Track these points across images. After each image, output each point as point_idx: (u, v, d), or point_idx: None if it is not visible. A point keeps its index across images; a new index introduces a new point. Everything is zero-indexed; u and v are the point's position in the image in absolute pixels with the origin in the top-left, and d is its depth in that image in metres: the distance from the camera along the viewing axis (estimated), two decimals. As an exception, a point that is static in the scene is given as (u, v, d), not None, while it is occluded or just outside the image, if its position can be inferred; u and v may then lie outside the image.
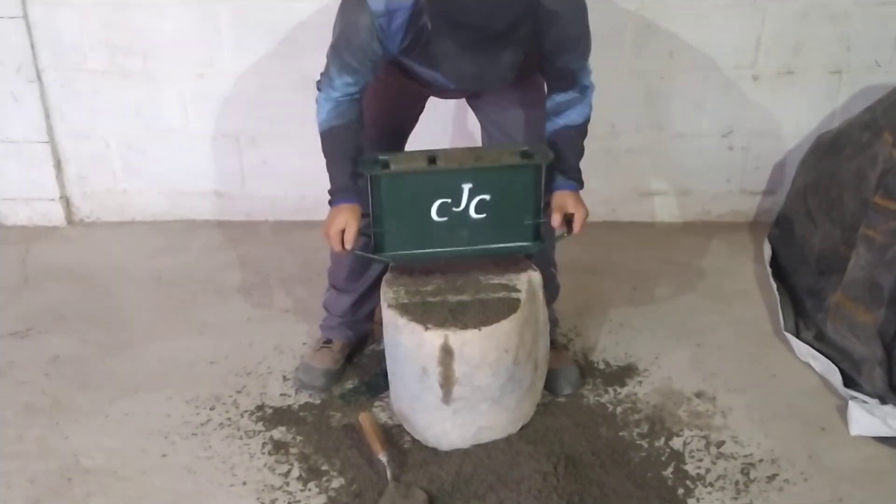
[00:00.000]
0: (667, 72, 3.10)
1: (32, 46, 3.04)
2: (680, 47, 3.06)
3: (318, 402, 2.37)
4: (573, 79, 2.14)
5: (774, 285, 2.85)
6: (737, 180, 3.33)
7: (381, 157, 2.10)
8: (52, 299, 2.85)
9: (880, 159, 2.44)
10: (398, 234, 2.10)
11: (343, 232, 2.07)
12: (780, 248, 3.01)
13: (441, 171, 2.06)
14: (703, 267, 3.06)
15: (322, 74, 2.08)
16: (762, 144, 3.24)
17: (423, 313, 2.08)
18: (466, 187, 2.04)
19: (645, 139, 3.24)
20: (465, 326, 2.04)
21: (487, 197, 2.06)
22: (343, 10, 2.01)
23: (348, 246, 2.08)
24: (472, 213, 2.08)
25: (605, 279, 2.97)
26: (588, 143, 3.21)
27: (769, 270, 2.95)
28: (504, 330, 2.05)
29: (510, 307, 2.10)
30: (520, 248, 2.14)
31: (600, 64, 3.06)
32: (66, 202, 3.34)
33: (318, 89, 2.09)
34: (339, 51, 2.01)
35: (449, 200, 2.05)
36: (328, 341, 2.49)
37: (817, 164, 2.87)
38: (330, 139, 2.10)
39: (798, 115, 3.18)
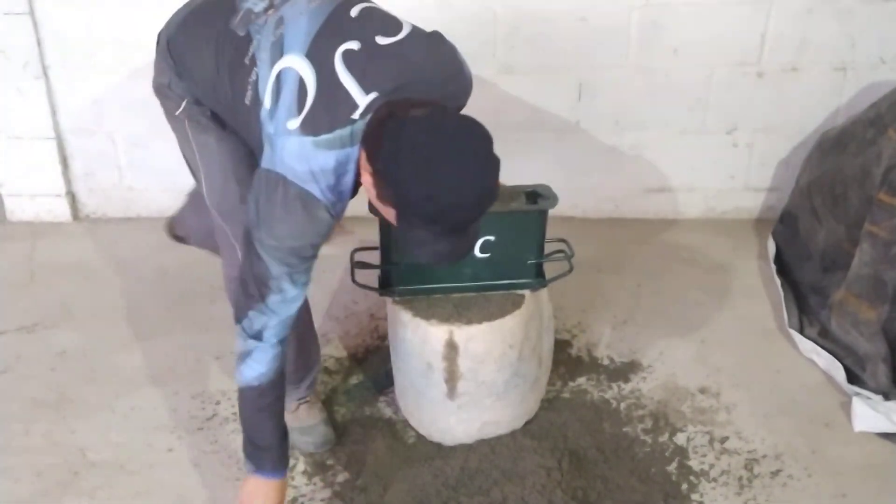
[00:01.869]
0: (671, 68, 3.10)
1: (39, 42, 3.05)
2: (685, 44, 3.05)
3: (323, 397, 2.38)
4: None
5: (778, 282, 2.85)
6: (741, 177, 3.32)
7: None
8: (59, 294, 2.86)
9: (885, 156, 2.44)
10: (405, 271, 2.11)
11: None
12: (785, 244, 3.01)
13: None
14: (707, 263, 3.06)
15: (241, 313, 1.76)
16: (767, 141, 3.24)
17: (428, 309, 2.09)
18: None
19: (649, 136, 3.24)
20: (469, 322, 2.05)
21: (492, 238, 2.09)
22: (273, 208, 1.65)
23: None
24: (476, 252, 2.10)
25: (609, 276, 2.97)
26: (592, 139, 3.24)
27: (773, 267, 2.95)
28: (508, 325, 2.06)
29: (514, 303, 2.11)
30: (521, 286, 2.16)
31: (605, 60, 3.10)
32: (72, 198, 3.34)
33: (254, 337, 1.76)
34: (289, 260, 1.70)
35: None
36: (301, 398, 2.24)
37: (822, 161, 2.87)
38: (269, 392, 1.81)
39: (803, 112, 3.17)
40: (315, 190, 1.64)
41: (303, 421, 2.21)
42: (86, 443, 2.23)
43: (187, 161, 2.02)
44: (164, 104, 1.97)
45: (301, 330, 2.06)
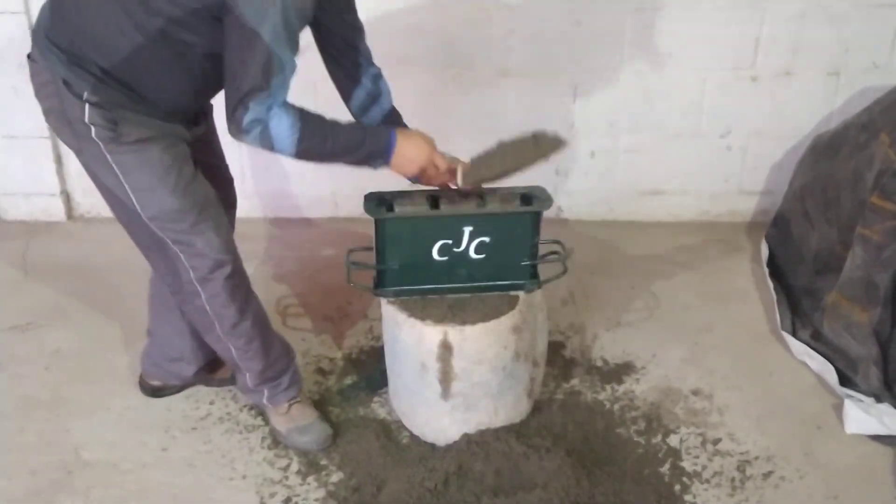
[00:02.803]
0: (665, 72, 3.12)
1: (34, 42, 3.05)
2: (679, 48, 3.07)
3: (317, 397, 2.38)
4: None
5: (771, 285, 2.87)
6: (735, 180, 3.34)
7: (385, 196, 2.14)
8: (53, 294, 2.86)
9: (877, 160, 2.45)
10: (400, 272, 2.12)
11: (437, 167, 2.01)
12: (778, 247, 3.02)
13: (444, 215, 2.09)
14: (700, 266, 3.07)
15: (253, 90, 1.73)
16: (760, 145, 3.26)
17: (423, 309, 2.09)
18: (467, 230, 2.08)
19: (643, 139, 3.25)
20: (464, 322, 2.05)
21: (487, 239, 2.10)
22: None
23: (444, 167, 2.02)
24: (471, 253, 2.11)
25: (603, 278, 2.98)
26: (587, 142, 3.25)
27: (766, 270, 2.96)
28: (503, 326, 2.07)
29: (509, 304, 2.12)
30: (515, 287, 2.17)
31: (600, 64, 3.11)
32: (67, 197, 3.34)
33: (264, 107, 1.75)
34: (289, 22, 1.70)
35: (450, 241, 2.09)
36: (292, 397, 2.23)
37: (815, 165, 2.89)
38: (312, 128, 1.83)
39: (796, 116, 3.19)
40: None
41: (298, 420, 2.20)
42: (80, 442, 2.23)
43: (110, 191, 1.88)
44: (69, 124, 1.80)
45: (260, 327, 2.13)
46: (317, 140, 1.84)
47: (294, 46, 1.75)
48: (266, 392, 2.19)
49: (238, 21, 1.66)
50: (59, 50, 1.75)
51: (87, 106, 1.75)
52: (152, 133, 1.83)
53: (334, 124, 1.88)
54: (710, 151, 3.27)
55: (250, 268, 3.02)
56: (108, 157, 1.81)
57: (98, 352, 2.57)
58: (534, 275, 2.18)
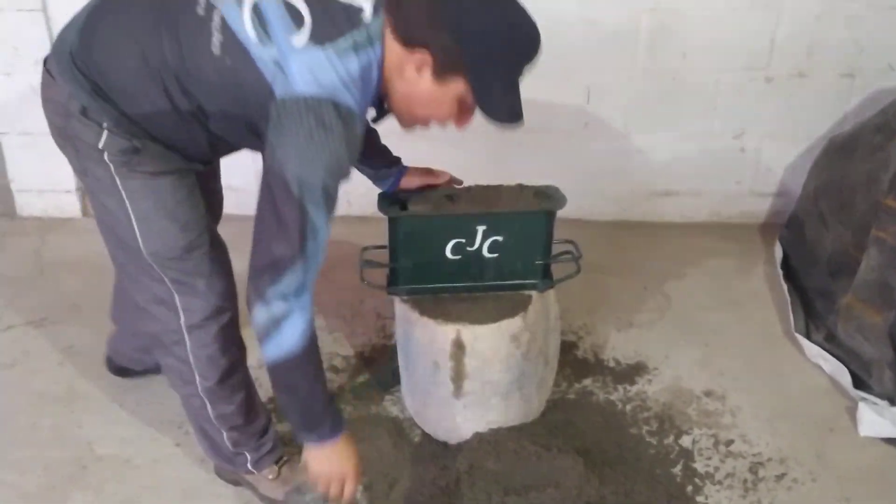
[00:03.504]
0: (679, 73, 3.11)
1: (51, 39, 3.07)
2: (693, 48, 3.06)
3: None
4: None
5: (785, 286, 2.86)
6: (748, 182, 3.33)
7: (400, 195, 2.13)
8: (67, 290, 2.87)
9: (892, 161, 2.44)
10: (412, 270, 2.12)
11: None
12: (792, 249, 3.01)
13: (458, 214, 2.09)
14: (713, 268, 3.07)
15: (287, 256, 1.57)
16: (774, 146, 3.25)
17: (436, 308, 2.10)
18: (481, 229, 2.08)
19: (657, 140, 3.25)
20: (476, 321, 2.05)
21: (500, 238, 2.09)
22: (311, 139, 1.49)
23: (347, 499, 1.80)
24: (485, 252, 2.11)
25: (615, 278, 2.98)
26: (600, 142, 3.24)
27: (780, 272, 2.95)
28: (515, 326, 2.07)
29: (521, 303, 2.12)
30: (528, 286, 2.17)
31: (614, 64, 3.10)
32: (82, 194, 3.36)
33: (295, 284, 1.60)
34: (328, 193, 1.54)
35: (463, 240, 2.09)
36: (279, 458, 2.07)
37: (829, 167, 2.88)
38: (315, 347, 1.68)
39: (810, 118, 3.18)
40: (349, 100, 1.51)
41: (292, 480, 2.04)
42: (93, 437, 2.24)
43: (110, 215, 1.73)
44: (76, 145, 1.68)
45: (246, 378, 1.98)
46: (298, 374, 1.67)
47: (331, 211, 1.59)
48: (249, 457, 2.01)
49: (275, 174, 1.52)
50: (84, 77, 1.62)
51: (104, 132, 1.63)
52: (171, 167, 1.71)
53: (321, 374, 1.73)
54: (724, 152, 3.26)
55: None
56: (117, 180, 1.68)
57: (112, 348, 2.58)
58: (547, 274, 2.18)
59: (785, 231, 3.10)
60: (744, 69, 3.10)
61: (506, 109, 1.62)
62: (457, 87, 1.58)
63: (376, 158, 2.13)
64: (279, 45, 1.50)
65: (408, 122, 1.70)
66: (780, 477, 2.13)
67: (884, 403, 2.31)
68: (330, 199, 1.55)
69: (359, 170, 2.13)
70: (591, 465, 2.06)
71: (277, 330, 1.60)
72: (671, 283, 2.96)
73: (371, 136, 2.07)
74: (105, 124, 1.62)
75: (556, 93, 3.16)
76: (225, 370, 1.89)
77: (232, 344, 1.90)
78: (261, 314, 1.59)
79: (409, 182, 2.16)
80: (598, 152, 3.27)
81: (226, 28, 1.53)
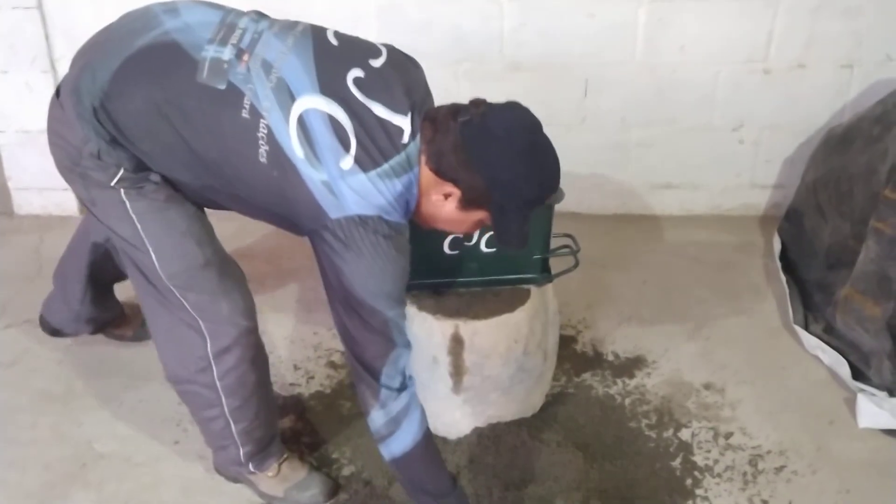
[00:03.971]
0: (678, 65, 3.10)
1: (47, 37, 3.06)
2: (691, 41, 3.06)
3: (328, 391, 2.39)
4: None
5: (784, 279, 2.86)
6: (747, 174, 3.33)
7: None
8: (66, 288, 2.87)
9: (891, 153, 2.44)
10: (411, 265, 2.11)
11: None
12: (790, 241, 3.01)
13: None
14: (712, 260, 3.06)
15: (392, 374, 1.68)
16: (773, 138, 3.24)
17: (434, 303, 2.10)
18: None
19: (656, 133, 3.24)
20: (475, 316, 2.05)
21: None
22: (375, 251, 1.59)
23: None
24: (482, 247, 2.10)
25: (615, 272, 2.97)
26: (599, 136, 3.24)
27: (779, 264, 2.95)
28: (514, 320, 2.07)
29: (520, 298, 2.12)
30: (527, 281, 2.17)
31: (612, 57, 3.10)
32: (80, 192, 3.35)
33: (401, 398, 1.70)
34: (400, 295, 1.67)
35: (461, 235, 2.08)
36: (281, 454, 2.06)
37: (828, 158, 2.87)
38: (430, 435, 1.77)
39: (809, 109, 3.17)
40: (396, 217, 1.62)
41: (293, 478, 2.04)
42: (93, 435, 2.25)
43: (124, 243, 1.74)
44: (83, 179, 1.68)
45: (267, 393, 1.99)
46: (422, 460, 1.76)
47: (404, 305, 1.71)
48: (253, 458, 2.02)
49: (345, 286, 1.62)
50: (105, 130, 1.62)
51: (121, 171, 1.65)
52: (180, 196, 1.74)
53: (440, 457, 1.82)
54: (723, 145, 3.26)
55: (261, 263, 3.04)
56: (127, 204, 1.68)
57: (110, 345, 2.58)
58: (545, 269, 2.18)
59: (784, 223, 3.10)
60: (742, 61, 3.10)
61: (518, 239, 1.72)
62: (478, 216, 1.69)
63: None
64: (328, 169, 1.56)
65: (425, 226, 1.79)
66: (779, 469, 2.13)
67: (883, 395, 2.31)
68: (402, 298, 1.68)
69: None
70: (590, 459, 2.07)
71: (398, 428, 1.71)
72: (670, 277, 2.96)
73: None
74: (123, 167, 1.65)
75: (553, 87, 3.15)
76: (253, 387, 1.91)
77: (259, 358, 1.92)
78: (378, 417, 1.70)
79: None
80: (597, 146, 3.27)
81: (272, 140, 1.56)
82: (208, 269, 1.77)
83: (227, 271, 1.83)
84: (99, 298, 2.41)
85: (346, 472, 2.12)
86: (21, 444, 2.22)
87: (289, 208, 1.62)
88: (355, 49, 1.69)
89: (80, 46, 1.75)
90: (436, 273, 2.13)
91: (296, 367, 2.50)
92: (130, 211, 1.69)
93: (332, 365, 2.50)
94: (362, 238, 1.57)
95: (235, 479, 2.08)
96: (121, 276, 2.30)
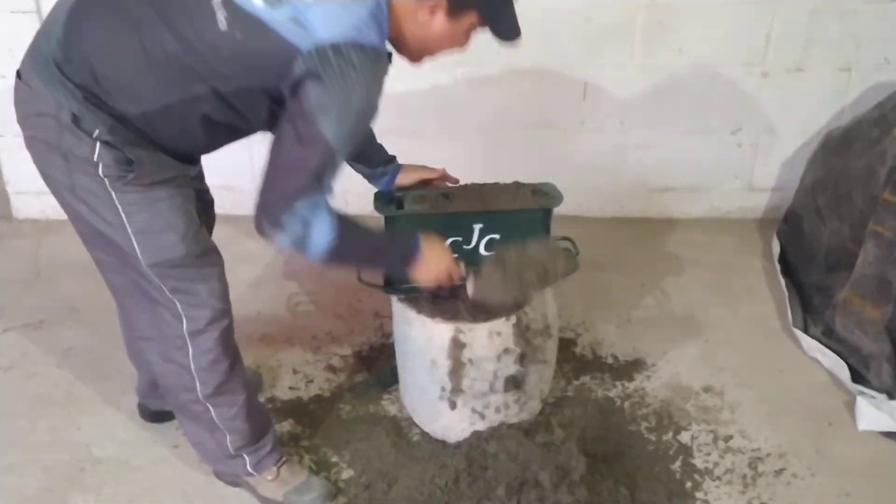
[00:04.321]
0: (676, 68, 3.11)
1: (45, 41, 3.06)
2: (689, 44, 3.06)
3: (327, 394, 2.39)
4: None
5: (783, 281, 2.86)
6: (745, 177, 3.33)
7: (396, 194, 2.13)
8: (65, 292, 2.87)
9: (889, 156, 2.44)
10: None
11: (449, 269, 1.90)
12: (789, 244, 3.01)
13: (454, 213, 2.09)
14: (711, 263, 3.07)
15: (305, 189, 1.61)
16: (771, 141, 3.25)
17: (433, 307, 2.09)
18: (477, 227, 2.08)
19: (654, 136, 3.25)
20: (474, 320, 2.05)
21: (497, 236, 2.09)
22: (345, 81, 1.54)
23: (461, 279, 1.93)
24: (481, 250, 2.11)
25: (613, 275, 2.97)
26: (597, 139, 3.24)
27: (777, 267, 2.95)
28: (513, 323, 2.06)
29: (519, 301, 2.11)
30: None
31: (610, 60, 3.10)
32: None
33: (310, 207, 1.63)
34: (356, 133, 1.62)
35: (460, 238, 2.08)
36: (277, 460, 2.05)
37: (826, 161, 2.88)
38: (348, 234, 1.71)
39: (807, 112, 3.18)
40: (372, 38, 1.57)
41: (292, 482, 2.04)
42: (91, 439, 2.24)
43: (102, 233, 1.72)
44: (68, 160, 1.65)
45: (245, 380, 1.97)
46: (349, 248, 1.73)
47: (353, 148, 1.66)
48: (248, 459, 2.00)
49: (306, 118, 1.56)
50: (74, 85, 1.59)
51: (97, 144, 1.62)
52: (166, 175, 1.70)
53: (366, 231, 1.77)
54: (721, 148, 3.26)
55: (261, 266, 3.04)
56: (113, 194, 1.66)
57: (109, 350, 2.57)
58: None
59: (782, 226, 3.10)
60: (740, 64, 3.10)
61: (513, 28, 1.72)
62: (469, 19, 1.68)
63: (372, 157, 2.15)
64: (292, 4, 1.54)
65: (418, 58, 1.77)
66: (779, 472, 2.13)
67: (882, 397, 2.31)
68: (356, 138, 1.63)
69: (354, 168, 2.13)
70: (589, 462, 2.06)
71: (309, 240, 1.66)
72: (669, 279, 2.96)
73: (366, 136, 2.09)
74: (97, 133, 1.61)
75: (552, 90, 3.16)
76: (226, 373, 1.90)
77: (230, 346, 1.91)
78: (285, 239, 1.65)
79: (404, 179, 2.17)
80: (595, 149, 3.27)
81: (228, 3, 1.55)
82: (187, 260, 1.77)
83: (207, 260, 1.82)
84: None
85: (345, 475, 2.11)
86: (19, 448, 2.21)
87: (262, 71, 1.58)
88: None
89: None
90: None
91: (294, 371, 2.49)
92: (117, 202, 1.68)
93: (330, 369, 2.50)
94: (332, 66, 1.52)
95: (235, 483, 2.08)
96: None
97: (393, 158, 2.17)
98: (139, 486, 2.10)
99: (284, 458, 2.06)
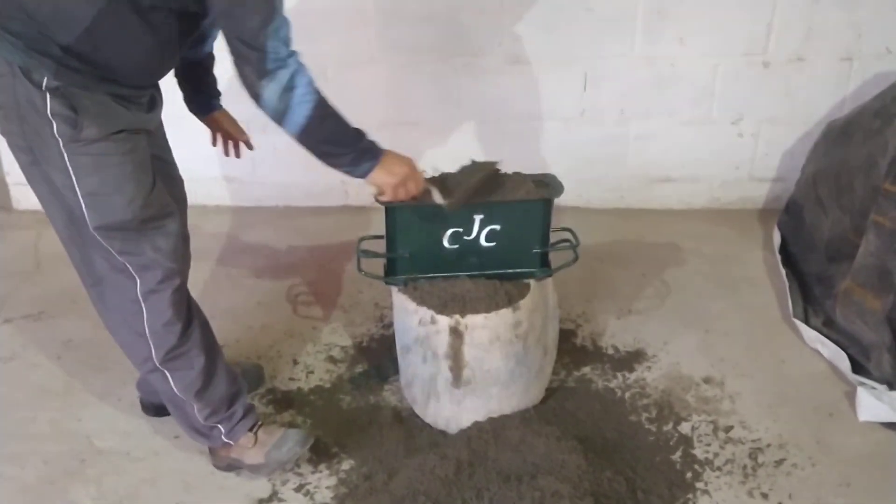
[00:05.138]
0: (677, 58, 3.10)
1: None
2: (690, 34, 3.05)
3: (328, 385, 2.39)
4: None
5: (783, 272, 2.85)
6: (746, 167, 3.32)
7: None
8: (65, 283, 2.86)
9: (891, 146, 2.43)
10: (410, 260, 2.11)
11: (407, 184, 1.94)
12: (790, 234, 3.01)
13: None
14: (712, 254, 3.06)
15: (276, 45, 1.66)
16: (772, 131, 3.24)
17: (434, 297, 2.09)
18: (478, 218, 2.08)
19: (654, 126, 3.24)
20: (475, 311, 2.05)
21: (498, 227, 2.09)
22: None
23: (419, 191, 1.97)
24: (482, 241, 2.10)
25: (614, 266, 2.97)
26: (598, 129, 3.24)
27: (778, 257, 2.95)
28: (514, 314, 2.06)
29: (520, 292, 2.11)
30: (526, 275, 2.17)
31: (611, 51, 3.09)
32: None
33: (289, 65, 1.69)
34: None
35: (460, 229, 2.08)
36: (252, 425, 2.08)
37: (827, 152, 2.87)
38: (327, 107, 1.77)
39: (808, 102, 3.17)
40: None
41: (269, 441, 2.06)
42: (92, 430, 2.24)
43: (56, 189, 1.75)
44: (26, 119, 1.67)
45: (205, 346, 1.98)
46: (326, 122, 1.78)
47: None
48: (222, 428, 2.03)
49: None
50: (13, 35, 1.61)
51: (48, 95, 1.63)
52: (115, 126, 1.71)
53: (342, 116, 1.81)
54: (722, 138, 3.26)
55: (259, 258, 3.04)
56: (65, 155, 1.68)
57: (109, 341, 2.52)
58: (545, 262, 2.18)
59: (783, 216, 3.10)
60: (741, 54, 3.09)
61: None
62: None
63: (202, 84, 2.16)
64: None
65: None
66: (779, 462, 2.13)
67: (882, 388, 2.31)
68: None
69: (179, 86, 2.14)
70: (590, 453, 2.06)
71: (292, 95, 1.70)
72: (669, 270, 2.95)
73: (207, 63, 2.12)
74: (45, 82, 1.62)
75: (552, 80, 3.15)
76: (180, 336, 1.92)
77: (184, 308, 1.93)
78: (271, 91, 1.69)
79: (213, 122, 2.21)
80: (596, 140, 3.26)
81: None
82: (135, 224, 1.78)
83: (157, 225, 1.83)
84: None
85: (345, 466, 2.12)
86: (20, 439, 2.22)
87: None
88: None
89: None
90: (435, 268, 2.12)
91: (295, 362, 2.49)
92: (68, 163, 1.70)
93: (331, 360, 2.50)
94: None
95: (230, 467, 2.09)
96: None
97: (218, 94, 2.19)
98: (139, 477, 2.10)
99: (260, 422, 2.08)
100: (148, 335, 1.90)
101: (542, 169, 2.20)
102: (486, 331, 2.05)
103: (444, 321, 2.04)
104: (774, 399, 2.34)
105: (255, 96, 1.71)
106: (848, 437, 2.21)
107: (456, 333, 2.04)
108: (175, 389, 1.96)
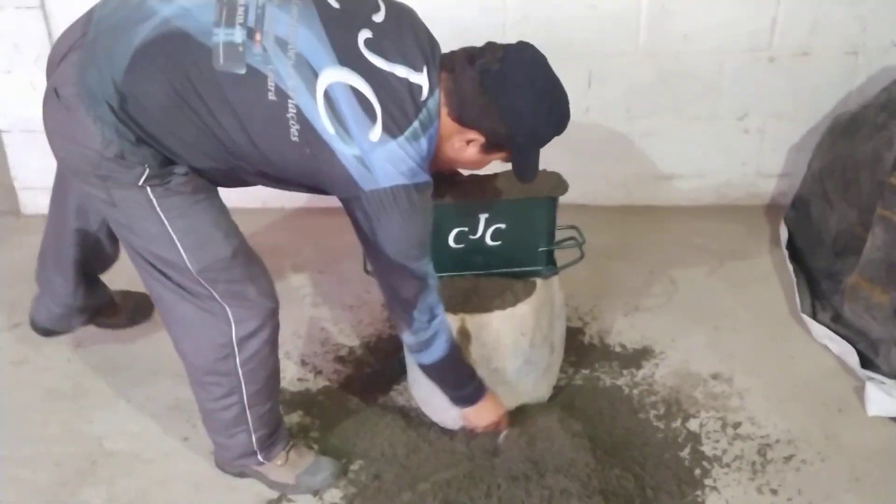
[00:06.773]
0: (682, 54, 3.09)
1: (50, 36, 3.07)
2: (695, 29, 3.04)
3: (336, 386, 2.40)
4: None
5: (791, 267, 2.85)
6: (753, 163, 3.31)
7: None
8: (74, 286, 2.87)
9: (897, 140, 2.43)
10: None
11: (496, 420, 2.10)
12: (797, 230, 3.00)
13: (459, 203, 2.08)
14: (719, 250, 3.06)
15: (422, 315, 1.83)
16: (778, 127, 3.23)
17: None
18: (483, 217, 2.08)
19: (660, 122, 3.23)
20: (481, 309, 2.05)
21: (503, 226, 2.10)
22: (403, 220, 1.68)
23: (503, 430, 2.10)
24: (487, 240, 2.11)
25: (621, 263, 2.97)
26: (603, 127, 3.23)
27: (785, 253, 2.94)
28: (520, 313, 2.07)
29: (526, 290, 2.12)
30: (532, 273, 2.17)
31: (615, 47, 3.09)
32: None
33: (431, 328, 1.85)
34: (424, 248, 1.77)
35: (466, 229, 2.09)
36: (286, 444, 2.07)
37: (833, 146, 2.86)
38: (452, 358, 1.95)
39: (814, 97, 3.16)
40: (424, 177, 1.69)
41: (302, 464, 2.06)
42: (103, 432, 2.26)
43: (150, 240, 1.72)
44: (104, 182, 1.65)
45: (277, 380, 2.01)
46: (449, 370, 1.97)
47: (429, 249, 1.79)
48: (261, 451, 2.03)
49: (378, 246, 1.73)
50: (129, 129, 1.59)
51: (146, 169, 1.63)
52: (207, 186, 1.76)
53: (464, 361, 2.02)
54: (728, 134, 3.25)
55: (267, 258, 3.04)
56: (154, 201, 1.67)
57: (119, 343, 2.59)
58: (550, 261, 2.18)
59: (790, 211, 3.09)
60: (746, 49, 3.08)
61: (534, 172, 1.84)
62: (499, 156, 1.82)
63: None
64: (359, 143, 1.61)
65: (440, 169, 1.87)
66: (788, 458, 2.13)
67: (891, 382, 2.30)
68: (427, 247, 1.77)
69: None
70: (598, 451, 2.07)
71: (429, 347, 1.88)
72: (677, 267, 2.95)
73: None
74: (147, 165, 1.63)
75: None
76: (272, 369, 1.96)
77: (277, 340, 1.96)
78: (411, 340, 1.88)
79: None
80: (601, 137, 3.26)
81: (302, 119, 1.59)
82: (236, 259, 1.79)
83: (252, 258, 1.87)
84: (90, 288, 2.39)
85: (354, 466, 2.12)
86: (32, 441, 2.23)
87: (321, 181, 1.69)
88: (357, 8, 1.67)
89: (59, 38, 1.75)
90: (441, 267, 2.12)
91: (303, 363, 2.50)
92: (158, 209, 1.68)
93: (339, 360, 2.51)
94: (393, 208, 1.65)
95: (241, 474, 2.09)
96: (110, 261, 2.38)
97: None
98: (150, 479, 2.11)
99: (292, 443, 2.08)
100: (241, 375, 1.89)
101: (547, 167, 2.19)
102: (493, 330, 2.05)
103: (450, 320, 2.04)
104: (783, 395, 2.34)
105: (398, 330, 1.92)
106: (857, 432, 2.21)
107: (463, 333, 2.05)
108: (249, 421, 1.96)
